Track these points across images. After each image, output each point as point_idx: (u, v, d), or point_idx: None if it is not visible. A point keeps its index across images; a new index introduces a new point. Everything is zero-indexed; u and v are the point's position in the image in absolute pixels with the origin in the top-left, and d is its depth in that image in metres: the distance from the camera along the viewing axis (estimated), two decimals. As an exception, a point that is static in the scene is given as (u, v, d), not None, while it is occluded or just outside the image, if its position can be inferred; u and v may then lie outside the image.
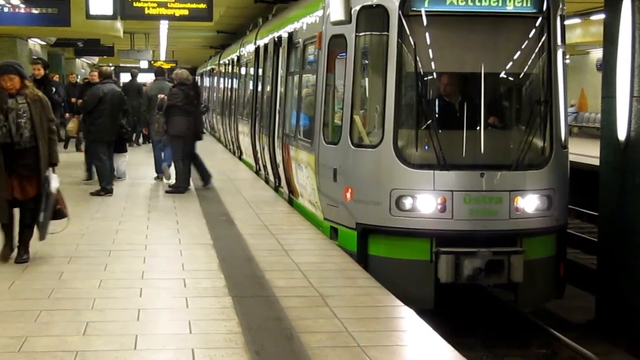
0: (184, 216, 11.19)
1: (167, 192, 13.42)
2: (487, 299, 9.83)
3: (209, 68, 33.74)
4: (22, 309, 6.50)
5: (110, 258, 8.47)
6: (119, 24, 23.93)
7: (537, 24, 9.20)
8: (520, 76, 9.32)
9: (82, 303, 6.70)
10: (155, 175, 15.29)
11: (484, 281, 8.75)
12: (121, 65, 44.45)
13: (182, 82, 13.57)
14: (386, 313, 6.73)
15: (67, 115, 19.45)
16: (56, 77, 17.93)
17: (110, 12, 15.38)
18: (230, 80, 23.76)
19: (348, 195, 9.26)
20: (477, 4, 8.95)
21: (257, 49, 17.14)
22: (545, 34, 9.19)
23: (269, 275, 7.68)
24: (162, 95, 14.03)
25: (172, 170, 14.08)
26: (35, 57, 11.14)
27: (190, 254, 8.69)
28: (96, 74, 14.33)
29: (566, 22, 9.73)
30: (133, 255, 8.65)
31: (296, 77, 12.20)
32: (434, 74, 9.19)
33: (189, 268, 8.06)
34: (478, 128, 8.88)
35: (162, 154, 14.92)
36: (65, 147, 20.54)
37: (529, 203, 8.86)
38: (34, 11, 18.31)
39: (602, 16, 10.37)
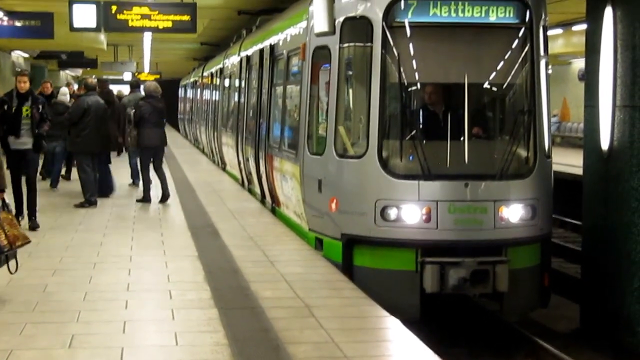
0: (169, 228, 11.18)
1: (137, 200, 13.73)
2: (472, 308, 9.86)
3: (192, 80, 33.73)
4: (7, 322, 6.47)
5: (95, 270, 8.45)
6: (102, 36, 23.92)
7: (520, 34, 9.26)
8: (504, 86, 9.37)
9: (67, 316, 6.67)
10: (131, 181, 15.95)
11: (469, 291, 8.77)
12: (104, 77, 44.31)
13: (150, 95, 13.80)
14: (372, 323, 6.74)
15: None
16: (47, 88, 16.93)
17: (93, 24, 15.34)
18: (214, 92, 23.76)
19: (333, 205, 9.27)
20: (460, 14, 8.99)
21: (241, 61, 17.15)
22: (528, 45, 9.25)
23: (255, 287, 7.67)
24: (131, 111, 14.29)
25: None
26: (20, 70, 10.50)
27: (176, 266, 8.68)
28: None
29: (548, 33, 9.80)
30: (118, 267, 8.63)
31: (280, 89, 12.22)
32: (418, 84, 9.23)
33: (175, 280, 8.04)
34: (462, 138, 8.92)
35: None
36: None
37: (514, 213, 8.90)
38: (17, 24, 18.22)
39: (583, 27, 10.45)
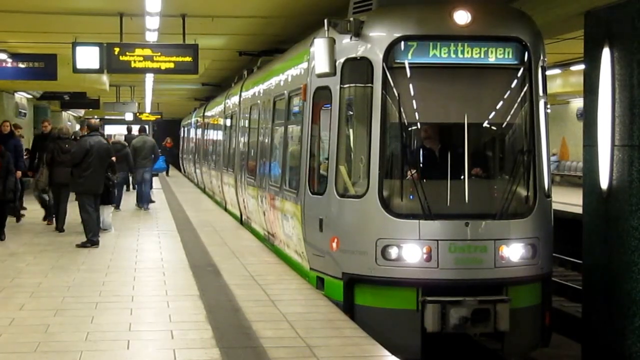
0: (170, 267, 11.19)
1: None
2: (473, 347, 9.83)
3: (193, 120, 33.91)
4: (9, 363, 6.48)
5: (96, 310, 8.45)
6: (105, 77, 24.10)
7: (519, 75, 9.35)
8: (503, 126, 9.45)
9: (69, 356, 6.68)
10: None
11: (470, 330, 8.77)
12: (106, 117, 44.54)
13: (59, 137, 15.23)
14: (374, 363, 6.75)
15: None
16: (45, 127, 17.68)
17: (96, 66, 15.48)
18: (215, 132, 23.90)
19: (334, 245, 9.30)
20: (460, 55, 9.09)
21: (242, 101, 17.28)
22: (527, 85, 9.33)
23: (256, 326, 7.68)
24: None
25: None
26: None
27: (177, 306, 8.69)
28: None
29: (547, 73, 9.89)
30: (120, 307, 8.63)
31: (281, 129, 12.31)
32: (418, 124, 9.31)
33: (176, 320, 8.05)
34: (462, 177, 8.97)
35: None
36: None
37: (514, 252, 8.92)
38: (21, 65, 18.41)
39: (581, 67, 10.55)
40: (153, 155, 20.56)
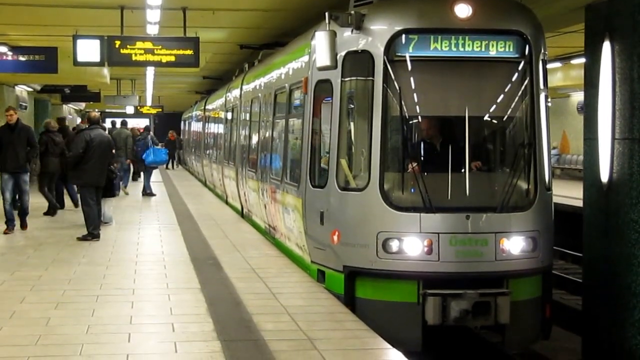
0: (171, 260, 11.20)
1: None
2: (474, 340, 9.86)
3: (194, 113, 33.90)
4: (9, 356, 6.49)
5: (97, 303, 8.47)
6: (105, 71, 24.10)
7: (520, 68, 9.35)
8: (504, 119, 9.45)
9: (69, 349, 6.69)
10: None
11: (471, 323, 8.78)
12: (107, 110, 44.50)
13: (48, 129, 16.99)
14: (374, 356, 6.76)
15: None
16: (15, 116, 14.64)
17: (97, 59, 15.44)
18: (216, 125, 23.92)
19: (335, 238, 9.31)
20: (461, 49, 9.08)
21: (243, 94, 17.28)
22: (528, 78, 9.33)
23: (257, 319, 7.70)
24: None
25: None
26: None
27: (178, 299, 8.70)
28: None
29: (548, 66, 9.88)
30: (121, 300, 8.65)
31: (282, 122, 12.31)
32: (419, 117, 9.31)
33: (177, 312, 8.07)
34: (463, 171, 8.98)
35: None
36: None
37: (515, 245, 8.93)
38: (22, 58, 18.40)
39: (582, 60, 10.54)
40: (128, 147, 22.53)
